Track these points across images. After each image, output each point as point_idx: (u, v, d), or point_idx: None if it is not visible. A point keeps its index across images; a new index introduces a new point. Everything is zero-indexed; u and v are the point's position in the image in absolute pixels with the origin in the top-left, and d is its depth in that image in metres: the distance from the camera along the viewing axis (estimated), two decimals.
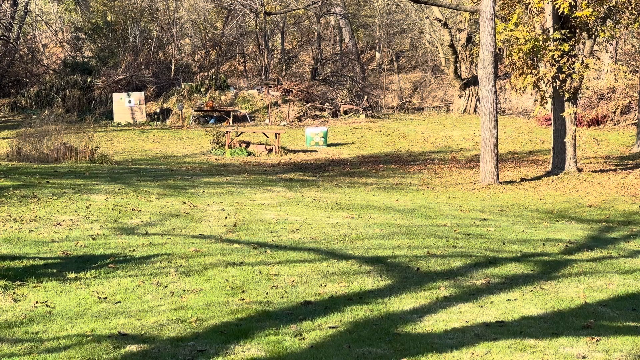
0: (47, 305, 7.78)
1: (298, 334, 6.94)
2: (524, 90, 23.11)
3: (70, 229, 11.60)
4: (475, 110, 39.71)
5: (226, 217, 13.11)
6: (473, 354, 6.47)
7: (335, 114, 39.19)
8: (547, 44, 22.05)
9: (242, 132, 29.59)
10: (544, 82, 23.02)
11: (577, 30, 22.70)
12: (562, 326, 7.32)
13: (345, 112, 39.44)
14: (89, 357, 6.33)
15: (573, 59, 22.21)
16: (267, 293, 8.30)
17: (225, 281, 8.72)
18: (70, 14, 50.20)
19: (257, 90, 40.53)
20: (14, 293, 8.15)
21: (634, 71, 33.60)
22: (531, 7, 22.66)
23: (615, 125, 33.57)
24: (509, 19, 22.48)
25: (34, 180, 16.59)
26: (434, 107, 43.74)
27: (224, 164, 25.31)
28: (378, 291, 8.45)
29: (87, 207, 13.45)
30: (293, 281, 8.78)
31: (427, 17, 43.96)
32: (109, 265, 9.31)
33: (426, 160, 26.75)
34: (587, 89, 31.35)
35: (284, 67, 44.61)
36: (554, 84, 22.42)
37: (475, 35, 39.14)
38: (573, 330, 7.19)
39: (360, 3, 51.33)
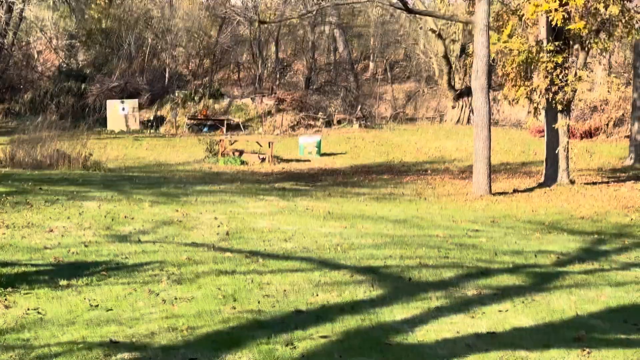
0: (38, 312, 7.76)
1: (289, 343, 6.93)
2: (517, 101, 23.17)
3: (62, 235, 11.57)
4: (468, 121, 39.78)
5: (219, 226, 13.11)
6: None
7: (328, 124, 39.23)
8: (540, 55, 22.12)
9: (235, 141, 29.59)
10: (537, 94, 23.09)
11: (571, 42, 22.79)
12: (554, 338, 7.33)
13: (339, 122, 39.49)
14: None
15: (566, 71, 22.28)
16: (258, 302, 8.29)
17: (217, 289, 8.71)
18: (65, 21, 50.15)
19: (251, 99, 40.55)
20: (5, 299, 8.13)
21: (627, 83, 33.73)
22: (525, 18, 22.73)
23: (608, 137, 33.69)
24: (503, 30, 22.55)
25: (27, 186, 16.56)
26: (427, 118, 43.78)
27: (217, 172, 25.30)
28: (370, 301, 8.46)
29: (80, 214, 13.44)
30: (285, 290, 8.77)
31: (421, 28, 44.08)
32: (101, 273, 9.29)
33: (419, 171, 26.78)
34: (580, 100, 31.45)
35: (277, 76, 44.64)
36: (547, 95, 22.48)
37: (469, 46, 39.18)
38: (564, 342, 7.20)
39: (354, 13, 51.39)
